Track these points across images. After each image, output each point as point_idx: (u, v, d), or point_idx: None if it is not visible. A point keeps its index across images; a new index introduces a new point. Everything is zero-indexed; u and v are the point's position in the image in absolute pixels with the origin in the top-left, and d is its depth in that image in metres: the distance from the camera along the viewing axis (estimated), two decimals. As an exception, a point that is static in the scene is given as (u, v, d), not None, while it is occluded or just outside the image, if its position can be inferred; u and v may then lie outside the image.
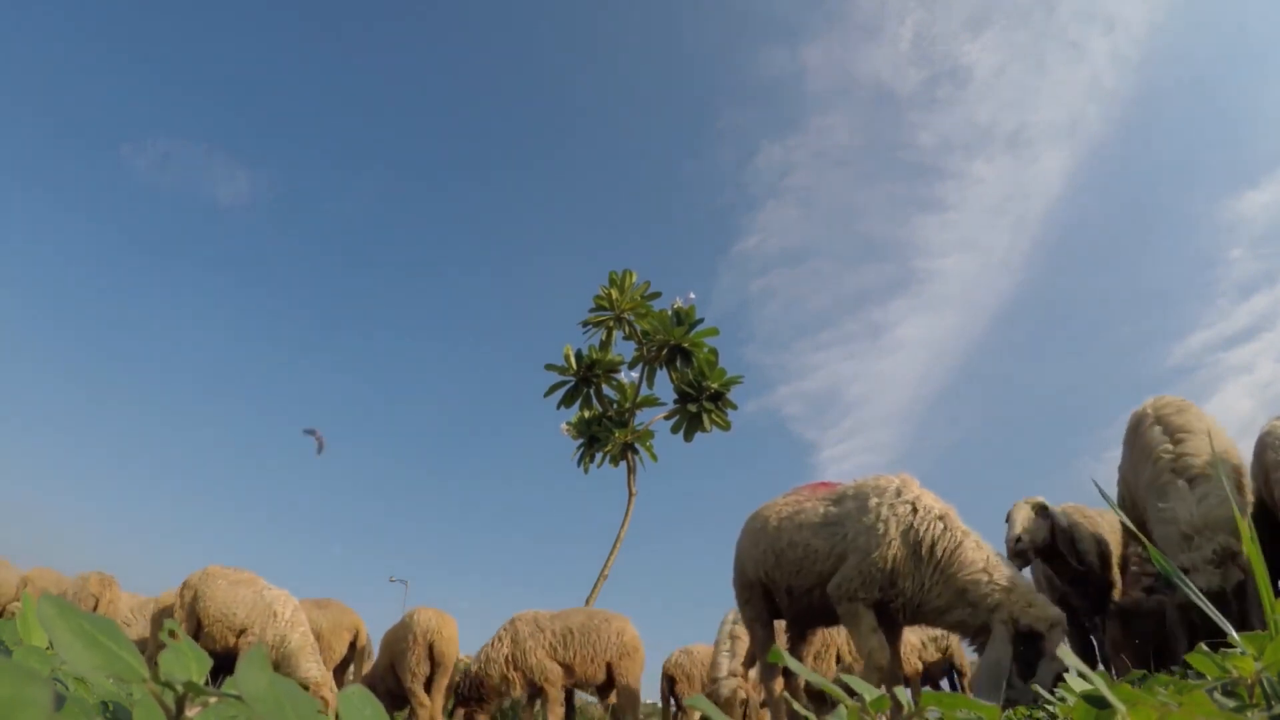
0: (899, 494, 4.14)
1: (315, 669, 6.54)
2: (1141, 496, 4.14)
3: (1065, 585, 5.35)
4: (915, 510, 4.02)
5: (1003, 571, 3.75)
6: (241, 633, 6.57)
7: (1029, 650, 3.54)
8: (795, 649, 4.98)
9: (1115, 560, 5.32)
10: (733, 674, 6.89)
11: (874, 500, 4.14)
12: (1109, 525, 5.37)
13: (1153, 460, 4.01)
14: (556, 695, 7.00)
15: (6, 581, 9.98)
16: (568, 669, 7.06)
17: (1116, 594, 5.29)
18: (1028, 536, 5.00)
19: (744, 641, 6.87)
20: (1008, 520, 5.16)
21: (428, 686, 7.19)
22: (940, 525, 3.94)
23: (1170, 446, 3.97)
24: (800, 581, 4.42)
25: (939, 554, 3.87)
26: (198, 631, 6.69)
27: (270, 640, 6.58)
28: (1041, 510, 5.15)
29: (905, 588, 3.92)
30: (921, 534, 3.93)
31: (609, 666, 7.11)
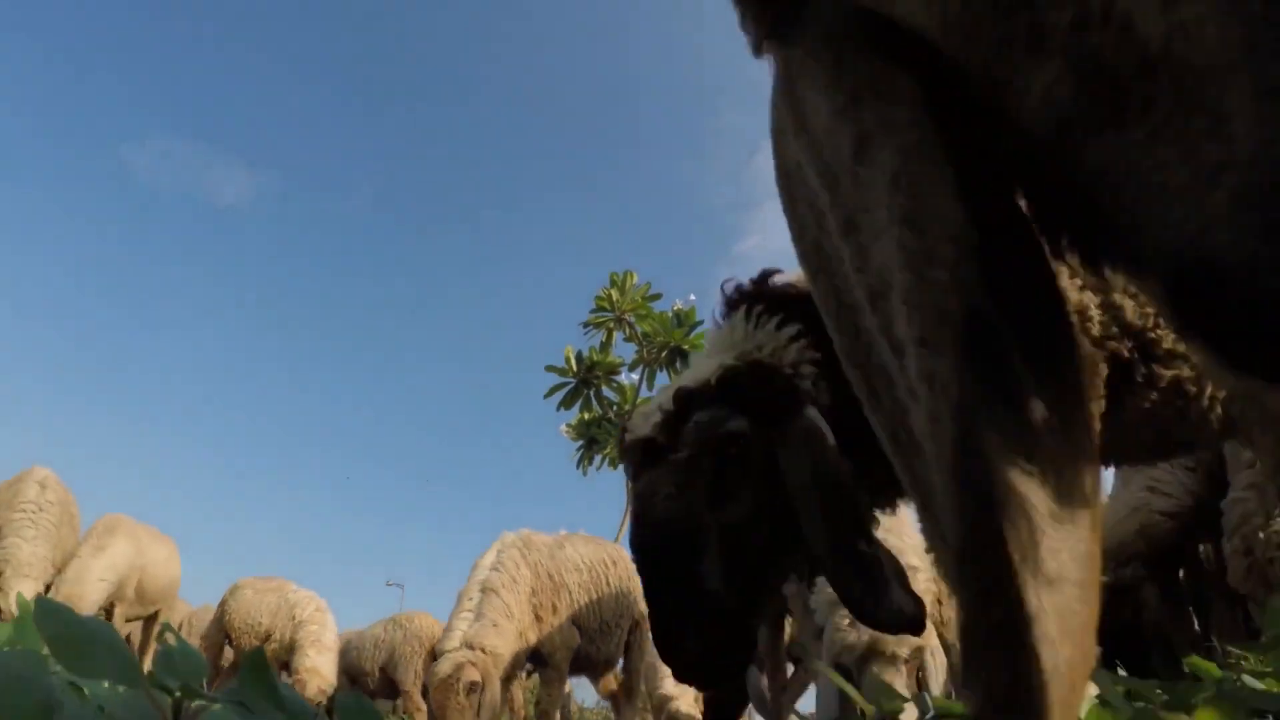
0: None
1: (309, 660, 6.69)
2: None
3: None
4: None
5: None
6: (267, 638, 6.80)
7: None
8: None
9: None
10: (470, 644, 4.55)
11: None
12: None
13: None
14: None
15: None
16: None
17: None
18: None
19: (504, 596, 4.74)
20: None
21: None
22: None
23: None
24: None
25: None
26: (227, 641, 7.02)
27: (286, 640, 6.85)
28: None
29: None
30: None
31: None
